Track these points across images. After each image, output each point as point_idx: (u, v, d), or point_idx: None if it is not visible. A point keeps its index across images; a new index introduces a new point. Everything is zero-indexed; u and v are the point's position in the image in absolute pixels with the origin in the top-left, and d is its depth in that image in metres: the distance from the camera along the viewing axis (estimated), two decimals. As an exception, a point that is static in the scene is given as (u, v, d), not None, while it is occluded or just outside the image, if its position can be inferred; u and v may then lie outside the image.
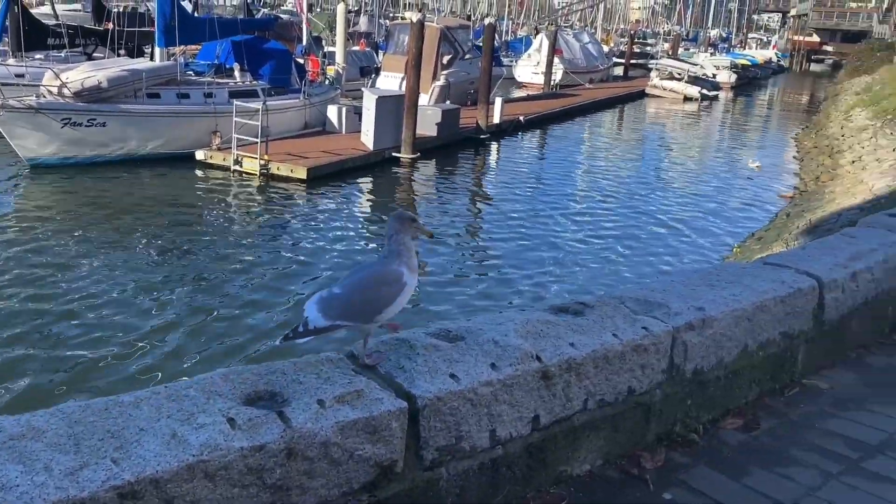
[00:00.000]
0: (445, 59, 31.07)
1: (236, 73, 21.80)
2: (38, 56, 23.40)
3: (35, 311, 10.60)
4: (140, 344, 9.81)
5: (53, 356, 9.37)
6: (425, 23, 31.38)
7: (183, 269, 12.68)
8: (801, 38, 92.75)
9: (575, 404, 2.88)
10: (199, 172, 18.96)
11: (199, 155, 19.17)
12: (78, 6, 41.53)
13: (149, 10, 26.08)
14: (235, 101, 18.92)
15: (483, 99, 25.97)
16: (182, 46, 21.72)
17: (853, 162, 22.02)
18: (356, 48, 39.70)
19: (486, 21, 26.31)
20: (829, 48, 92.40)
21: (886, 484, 3.05)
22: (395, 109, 21.12)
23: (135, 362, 9.33)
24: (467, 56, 32.47)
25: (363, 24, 51.00)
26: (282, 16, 40.98)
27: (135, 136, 18.77)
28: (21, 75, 21.00)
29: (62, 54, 24.23)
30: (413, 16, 21.50)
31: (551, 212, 17.88)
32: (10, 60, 22.58)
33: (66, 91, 17.62)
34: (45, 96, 17.70)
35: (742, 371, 3.60)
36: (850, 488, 3.01)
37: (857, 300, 4.27)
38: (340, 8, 29.13)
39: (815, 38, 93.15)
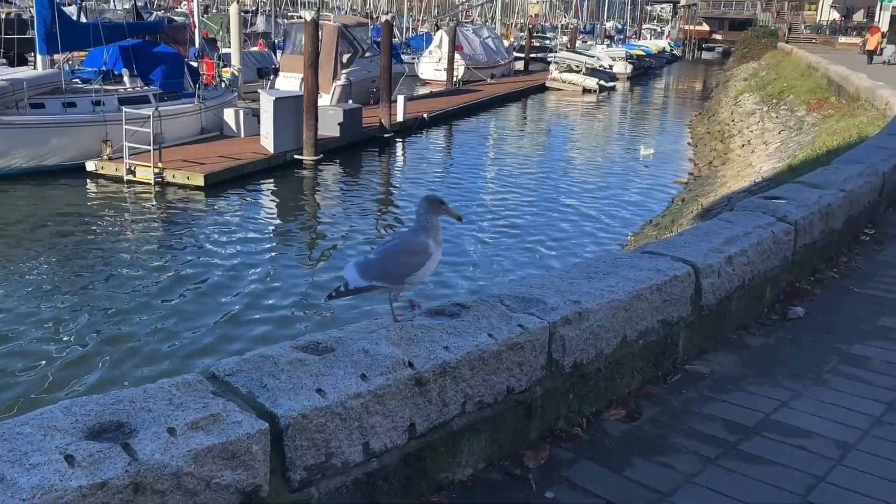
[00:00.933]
0: (345, 57, 30.82)
1: (125, 79, 21.02)
2: None
3: None
4: (28, 370, 9.34)
5: None
6: (322, 21, 31.11)
7: (75, 288, 12.14)
8: (691, 27, 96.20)
9: (452, 409, 2.83)
10: (90, 184, 18.18)
11: (90, 166, 18.40)
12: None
13: (32, 16, 24.89)
14: (125, 108, 18.22)
15: (385, 97, 25.85)
16: (66, 53, 20.75)
17: (743, 146, 22.92)
18: (254, 49, 38.93)
19: (383, 18, 26.05)
20: (718, 36, 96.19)
21: (761, 465, 3.12)
22: (295, 110, 20.78)
23: (19, 388, 8.86)
24: (367, 54, 32.29)
25: (260, 24, 50.10)
26: (175, 18, 39.80)
27: (18, 149, 17.85)
28: None
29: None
30: (307, 14, 21.12)
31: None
32: None
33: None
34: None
35: (623, 361, 3.63)
36: (728, 472, 3.07)
37: (733, 283, 4.38)
38: (233, 9, 28.52)
39: (705, 27, 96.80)
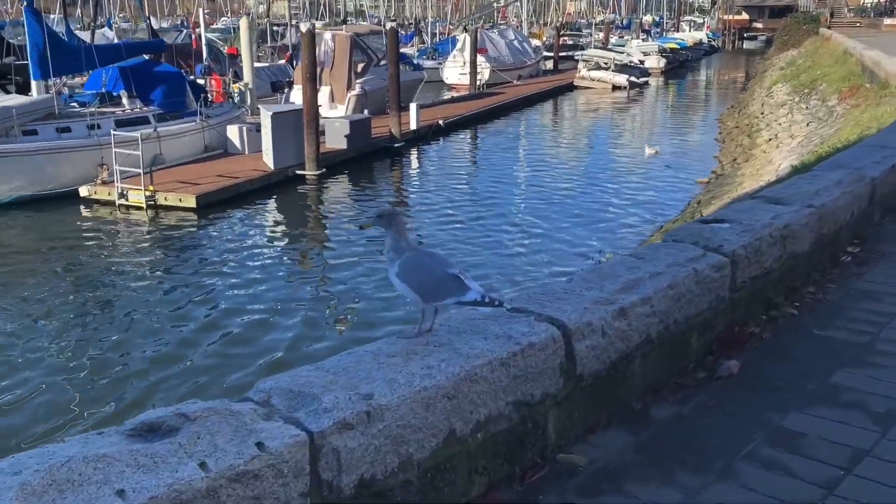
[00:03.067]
0: (359, 67, 30.27)
1: (124, 101, 20.68)
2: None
3: None
4: (23, 399, 9.13)
5: None
6: (335, 32, 30.65)
7: (63, 317, 11.81)
8: (730, 17, 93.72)
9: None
10: (83, 210, 17.85)
11: (83, 191, 18.07)
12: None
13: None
14: (114, 132, 17.83)
15: (394, 106, 25.13)
16: (62, 78, 20.51)
17: (769, 140, 21.66)
18: (280, 62, 38.70)
19: (389, 25, 25.40)
20: (758, 25, 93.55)
21: None
22: (295, 125, 20.19)
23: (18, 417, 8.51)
24: (382, 62, 31.66)
25: (291, 36, 49.97)
26: (210, 36, 39.56)
27: (10, 177, 17.57)
28: None
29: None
30: (303, 25, 20.54)
31: (470, 215, 17.25)
32: None
33: (-72, 136, 16.42)
34: None
35: (452, 464, 2.80)
36: None
37: (631, 341, 3.50)
38: (244, 22, 28.16)
39: (745, 16, 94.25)
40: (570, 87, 46.97)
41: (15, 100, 19.06)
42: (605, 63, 48.03)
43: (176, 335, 11.11)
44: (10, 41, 24.73)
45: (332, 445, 2.43)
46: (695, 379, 3.84)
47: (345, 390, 2.59)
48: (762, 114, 27.03)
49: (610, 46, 58.50)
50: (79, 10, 42.50)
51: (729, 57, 79.68)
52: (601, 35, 70.02)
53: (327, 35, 30.00)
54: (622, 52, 52.32)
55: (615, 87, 45.93)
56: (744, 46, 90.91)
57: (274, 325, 11.49)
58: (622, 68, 47.86)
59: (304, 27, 20.50)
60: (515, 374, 2.99)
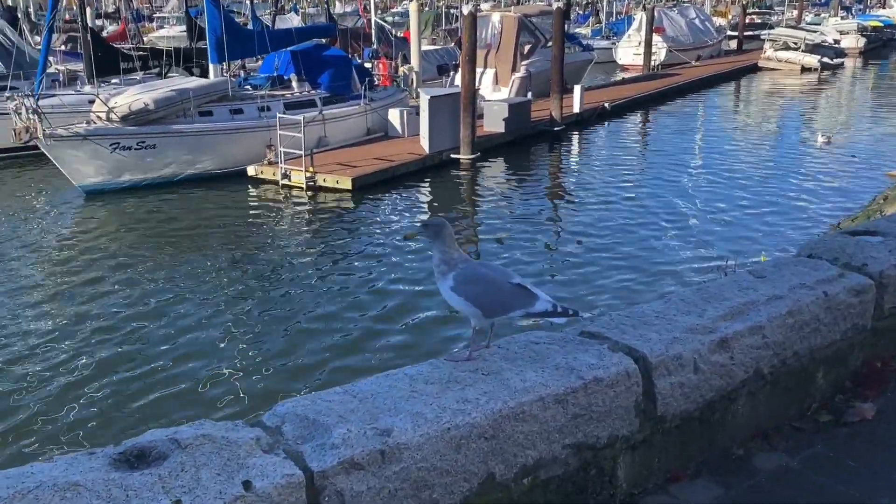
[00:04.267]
0: (526, 48, 29.81)
1: (293, 84, 21.44)
2: (113, 80, 23.92)
3: (102, 330, 10.87)
4: (208, 367, 9.74)
5: (128, 378, 9.46)
6: (503, 13, 30.32)
7: (230, 289, 12.49)
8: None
9: None
10: (250, 188, 18.69)
11: (250, 171, 18.92)
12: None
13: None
14: (279, 115, 18.50)
15: (556, 88, 24.47)
16: (239, 61, 21.56)
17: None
18: (450, 45, 38.94)
19: (556, 5, 24.72)
20: None
21: None
22: (452, 108, 20.11)
23: (206, 384, 9.22)
24: (549, 44, 30.98)
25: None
26: (383, 22, 40.58)
27: (186, 155, 18.70)
28: (94, 101, 21.44)
29: (137, 77, 24.71)
30: (465, 7, 20.36)
31: (626, 203, 16.56)
32: (87, 87, 23.17)
33: (113, 116, 17.72)
34: (94, 123, 17.87)
35: (490, 512, 2.44)
36: None
37: (732, 378, 2.97)
38: (413, 6, 28.38)
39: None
40: (754, 69, 44.06)
41: (193, 82, 20.27)
42: (795, 43, 44.57)
43: (318, 314, 11.32)
44: (203, 26, 26.45)
45: (335, 487, 2.15)
46: (816, 423, 3.23)
47: (361, 423, 2.30)
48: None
49: (802, 25, 54.31)
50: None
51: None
52: (794, 12, 65.16)
53: (495, 17, 29.73)
54: (815, 31, 48.33)
55: (804, 69, 42.59)
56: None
57: (414, 307, 11.40)
58: (814, 48, 44.24)
59: (465, 9, 20.30)
60: (575, 412, 2.58)
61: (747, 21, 57.52)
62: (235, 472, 2.08)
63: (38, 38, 30.24)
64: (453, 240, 2.69)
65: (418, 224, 2.78)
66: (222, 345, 10.30)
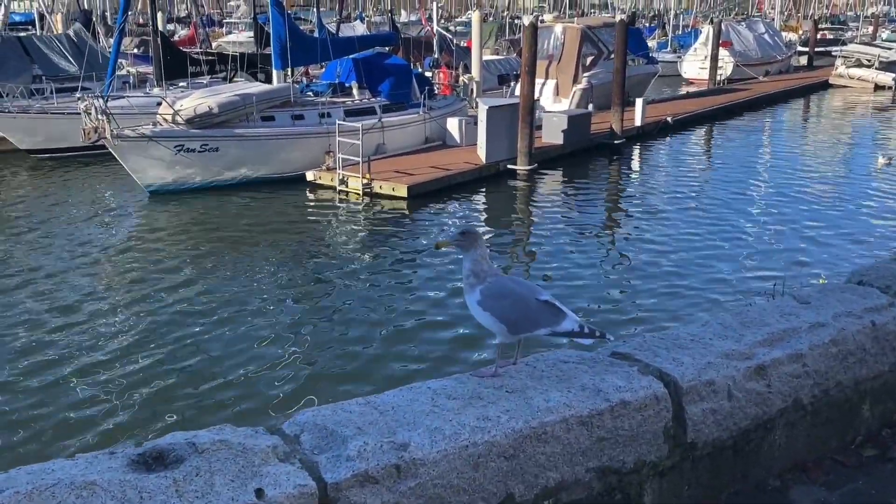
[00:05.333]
0: (588, 60, 29.62)
1: (354, 91, 21.70)
2: (181, 84, 24.58)
3: (152, 329, 11.18)
4: (271, 363, 9.97)
5: (173, 376, 9.70)
6: (567, 25, 30.19)
7: (281, 293, 12.71)
8: None
9: None
10: (308, 193, 18.96)
11: (309, 176, 19.19)
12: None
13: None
14: (338, 121, 18.73)
15: (617, 101, 24.22)
16: (302, 67, 21.90)
17: None
18: (513, 56, 38.94)
19: (618, 18, 24.49)
20: None
21: None
22: (510, 118, 20.07)
23: (267, 384, 9.44)
24: (612, 56, 30.72)
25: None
26: (442, 31, 40.91)
27: (248, 159, 19.06)
28: (161, 104, 22.06)
29: (205, 81, 25.34)
30: (526, 19, 20.32)
31: (686, 221, 16.27)
32: (155, 90, 23.85)
33: (178, 118, 18.18)
34: (160, 124, 18.36)
35: (508, 532, 2.40)
36: None
37: (771, 406, 2.87)
38: (476, 16, 28.48)
39: None
40: (825, 86, 42.93)
41: (256, 87, 20.67)
42: (868, 60, 43.31)
43: (365, 321, 11.38)
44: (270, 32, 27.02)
45: (349, 500, 2.14)
46: (860, 457, 3.09)
47: (379, 436, 2.28)
48: None
49: (877, 42, 52.73)
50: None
51: None
52: (870, 29, 63.35)
53: (558, 28, 29.62)
54: (891, 49, 46.86)
55: (878, 87, 41.32)
56: None
57: (463, 318, 11.37)
58: (888, 66, 42.89)
59: (526, 20, 20.26)
60: (601, 435, 2.52)
61: (819, 37, 56.15)
62: (249, 479, 2.08)
63: (111, 41, 31.23)
64: (485, 251, 2.66)
65: (452, 233, 2.69)
66: (267, 348, 10.45)
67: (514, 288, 2.65)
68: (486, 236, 16.10)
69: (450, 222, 16.93)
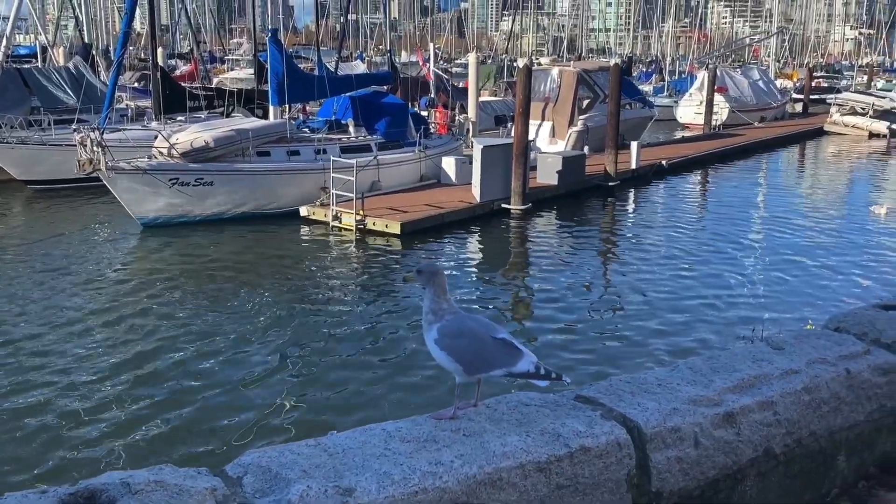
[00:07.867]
0: (584, 103, 29.88)
1: (350, 129, 21.79)
2: (179, 118, 24.70)
3: (134, 360, 11.06)
4: (250, 400, 9.84)
5: (149, 409, 9.55)
6: (563, 68, 30.50)
7: (269, 328, 12.57)
8: None
9: None
10: (303, 228, 18.92)
11: (303, 211, 19.18)
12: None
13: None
14: (333, 158, 18.79)
15: (611, 144, 24.36)
16: (301, 104, 22.03)
17: None
18: (510, 97, 39.30)
19: (612, 62, 24.72)
20: None
21: None
22: (504, 158, 20.15)
23: (249, 416, 9.31)
24: (608, 100, 30.97)
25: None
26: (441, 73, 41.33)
27: (242, 194, 19.06)
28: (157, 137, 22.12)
29: (202, 115, 25.48)
30: (521, 61, 20.48)
31: (678, 265, 16.21)
32: (153, 123, 23.96)
33: (174, 152, 18.21)
34: (156, 157, 18.38)
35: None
36: None
37: (741, 455, 2.77)
38: (472, 58, 28.78)
39: None
40: (819, 133, 43.29)
41: (252, 122, 20.76)
42: (863, 108, 43.74)
43: (351, 359, 11.26)
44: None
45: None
46: (835, 510, 2.99)
47: (325, 480, 2.19)
48: None
49: (871, 90, 53.35)
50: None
51: None
52: (864, 78, 64.19)
53: (554, 71, 29.94)
54: (885, 97, 47.36)
55: (872, 135, 41.66)
56: None
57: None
58: (883, 114, 43.30)
59: (521, 63, 20.43)
60: (560, 483, 2.42)
61: (814, 84, 56.76)
62: (183, 524, 1.99)
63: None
64: (445, 288, 2.59)
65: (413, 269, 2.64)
66: (246, 386, 10.27)
67: (472, 326, 2.58)
68: (479, 273, 16.03)
69: (442, 259, 16.87)
